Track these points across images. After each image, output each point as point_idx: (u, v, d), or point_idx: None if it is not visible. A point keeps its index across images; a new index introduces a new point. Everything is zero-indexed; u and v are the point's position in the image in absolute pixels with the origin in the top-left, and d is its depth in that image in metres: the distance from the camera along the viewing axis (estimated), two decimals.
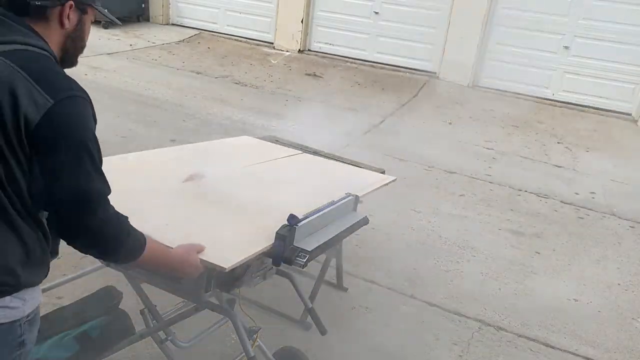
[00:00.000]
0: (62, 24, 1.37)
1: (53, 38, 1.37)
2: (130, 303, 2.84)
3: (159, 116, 5.94)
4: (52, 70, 1.32)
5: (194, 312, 2.14)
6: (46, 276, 1.49)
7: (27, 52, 1.28)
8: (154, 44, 9.04)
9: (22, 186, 1.30)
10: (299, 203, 2.14)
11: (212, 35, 9.93)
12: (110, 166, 1.48)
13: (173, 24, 10.43)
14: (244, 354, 2.10)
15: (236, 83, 7.64)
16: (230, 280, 2.15)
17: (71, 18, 1.38)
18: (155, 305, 2.27)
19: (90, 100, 1.35)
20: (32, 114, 1.23)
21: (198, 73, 7.87)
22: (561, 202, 4.97)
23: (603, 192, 5.28)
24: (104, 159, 1.38)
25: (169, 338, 2.22)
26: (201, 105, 6.51)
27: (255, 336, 2.27)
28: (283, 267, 2.23)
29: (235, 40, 9.76)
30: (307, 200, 2.20)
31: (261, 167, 2.71)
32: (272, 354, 2.45)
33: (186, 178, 2.32)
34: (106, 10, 1.50)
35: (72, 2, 1.36)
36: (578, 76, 7.77)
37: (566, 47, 7.72)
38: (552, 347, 3.06)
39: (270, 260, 1.82)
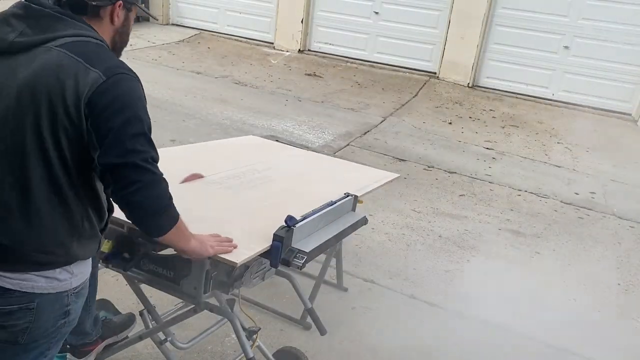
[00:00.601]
0: (112, 21, 1.56)
1: (105, 33, 1.55)
2: (129, 304, 2.85)
3: (159, 116, 5.94)
4: (105, 54, 1.49)
5: (193, 313, 2.14)
6: (97, 251, 1.62)
7: (82, 41, 1.44)
8: (154, 44, 9.04)
9: (73, 161, 1.43)
10: (307, 199, 2.17)
11: (212, 35, 9.93)
12: None
13: (173, 24, 10.43)
14: (243, 354, 2.10)
15: (236, 83, 7.65)
16: (229, 281, 2.15)
17: (120, 15, 1.57)
18: (155, 306, 2.27)
19: (140, 80, 1.51)
20: (88, 89, 1.39)
21: (198, 73, 7.87)
22: (561, 202, 4.97)
23: (603, 192, 5.28)
24: None
25: (169, 339, 2.22)
26: (201, 105, 6.51)
27: (255, 336, 2.27)
28: (282, 267, 2.23)
29: (235, 40, 9.76)
30: (314, 197, 2.23)
31: (267, 165, 2.73)
32: (272, 354, 2.45)
33: (184, 178, 2.33)
34: (144, 6, 1.61)
35: (121, 2, 1.55)
36: (578, 76, 7.77)
37: (566, 47, 7.72)
38: (552, 347, 3.06)
39: (269, 261, 1.82)
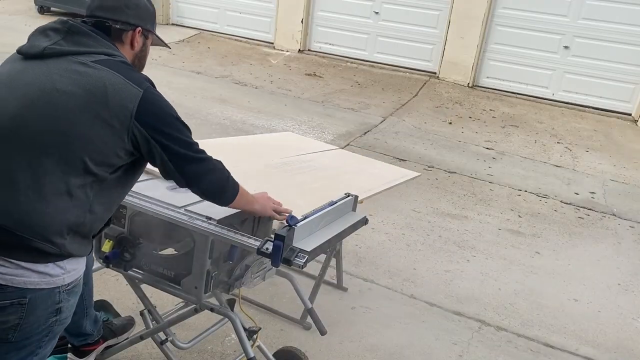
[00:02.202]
0: (132, 46, 1.72)
1: (126, 56, 1.69)
2: (130, 304, 2.85)
3: None
4: (133, 71, 1.61)
5: (194, 312, 2.14)
6: (89, 253, 1.66)
7: (112, 60, 1.58)
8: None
9: (95, 163, 1.52)
10: (348, 185, 2.42)
11: (212, 35, 9.93)
12: None
13: (173, 24, 10.43)
14: (244, 354, 2.10)
15: (236, 83, 7.65)
16: (229, 280, 2.15)
17: (138, 41, 1.72)
18: (155, 306, 2.27)
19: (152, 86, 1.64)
20: (130, 100, 1.52)
21: (198, 73, 7.87)
22: (561, 202, 4.98)
23: (603, 192, 5.28)
24: None
25: (169, 339, 2.22)
26: (201, 105, 6.51)
27: (255, 336, 2.27)
28: (282, 267, 2.23)
29: (235, 40, 9.76)
30: (354, 184, 2.49)
31: (310, 157, 2.98)
32: (272, 354, 2.45)
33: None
34: (159, 36, 1.85)
35: (140, 29, 1.71)
36: (578, 76, 7.77)
37: (566, 47, 7.72)
38: (552, 347, 3.06)
39: (270, 260, 1.82)
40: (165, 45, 1.92)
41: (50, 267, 1.51)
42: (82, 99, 1.48)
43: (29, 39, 1.62)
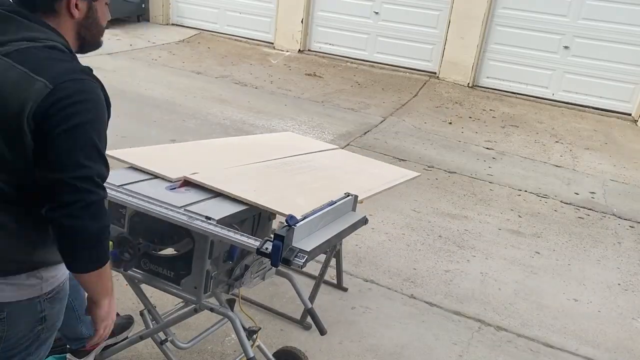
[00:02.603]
0: (71, 15, 1.39)
1: (66, 29, 1.40)
2: (129, 304, 2.85)
3: (159, 116, 5.94)
4: (54, 59, 1.32)
5: (194, 312, 2.14)
6: None
7: (31, 47, 1.30)
8: (154, 44, 9.04)
9: (23, 175, 1.31)
10: (348, 186, 2.42)
11: (212, 35, 9.93)
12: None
13: (173, 24, 10.43)
14: (243, 354, 2.10)
15: (236, 83, 7.64)
16: (229, 280, 2.15)
17: (80, 7, 1.39)
18: (155, 306, 2.27)
19: (98, 83, 1.37)
20: (32, 101, 1.25)
21: (198, 73, 7.87)
22: (561, 202, 4.97)
23: (603, 192, 5.28)
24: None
25: (169, 339, 2.22)
26: (201, 105, 6.51)
27: (255, 336, 2.27)
28: (282, 267, 2.23)
29: (235, 40, 9.76)
30: (354, 184, 2.49)
31: (309, 157, 2.95)
32: (272, 354, 2.45)
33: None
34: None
35: None
36: (578, 76, 7.77)
37: (566, 47, 7.72)
38: (552, 347, 3.06)
39: (269, 260, 1.82)
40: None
41: (24, 278, 1.39)
42: None
43: None
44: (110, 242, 2.00)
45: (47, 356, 1.97)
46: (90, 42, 1.49)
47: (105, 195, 1.36)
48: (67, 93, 1.27)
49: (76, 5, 1.38)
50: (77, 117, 1.28)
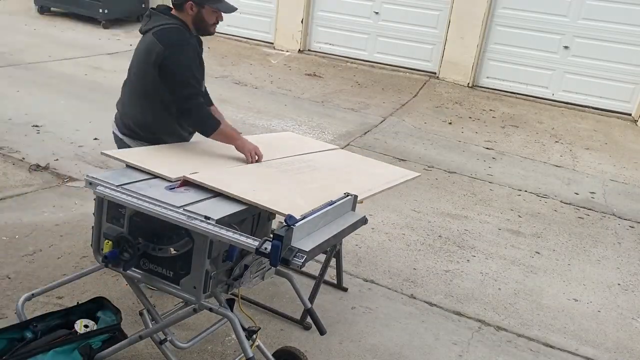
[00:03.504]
0: (188, 12, 2.59)
1: (187, 19, 2.60)
2: (129, 304, 2.85)
3: None
4: (172, 33, 2.54)
5: (193, 312, 2.14)
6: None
7: (163, 28, 2.54)
8: None
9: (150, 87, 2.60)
10: (348, 186, 2.44)
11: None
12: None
13: None
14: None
15: (236, 83, 7.64)
16: (229, 280, 2.15)
17: (193, 9, 2.58)
18: (154, 306, 2.27)
19: (191, 45, 2.58)
20: (159, 59, 2.49)
21: None
22: (561, 202, 4.97)
23: (603, 192, 5.28)
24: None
25: (169, 339, 2.22)
26: None
27: (254, 336, 2.27)
28: (282, 267, 2.23)
29: (235, 40, 9.76)
30: (354, 185, 2.51)
31: (310, 157, 2.97)
32: (272, 353, 2.45)
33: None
34: (224, 4, 2.68)
35: (191, 3, 2.56)
36: (578, 76, 7.77)
37: (566, 47, 7.72)
38: (552, 347, 3.06)
39: (269, 260, 1.82)
40: (230, 10, 2.69)
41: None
42: (142, 54, 2.57)
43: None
44: (110, 242, 2.00)
45: (49, 350, 1.99)
46: (201, 29, 2.66)
47: (200, 100, 2.60)
48: (172, 54, 2.49)
49: (192, 7, 2.57)
50: (179, 64, 2.51)
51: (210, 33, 2.71)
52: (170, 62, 2.47)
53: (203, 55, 2.74)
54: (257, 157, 2.59)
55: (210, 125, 2.57)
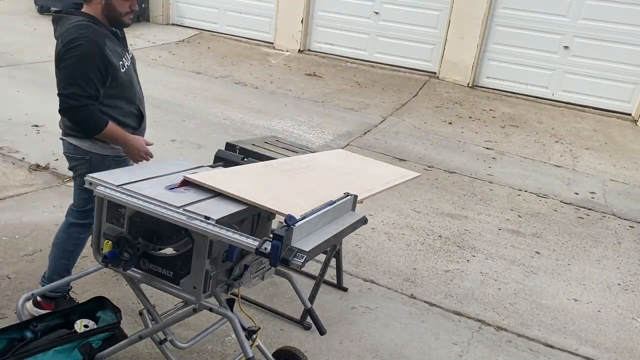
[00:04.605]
0: (97, 4, 2.45)
1: (96, 11, 2.45)
2: (129, 304, 2.85)
3: (159, 116, 5.93)
4: (71, 31, 2.38)
5: (193, 312, 2.14)
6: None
7: (68, 28, 2.40)
8: (153, 44, 9.05)
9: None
10: (348, 187, 2.42)
11: (212, 35, 9.93)
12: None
13: (173, 24, 10.43)
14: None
15: (236, 83, 7.64)
16: (229, 280, 2.15)
17: (100, 1, 2.44)
18: (154, 306, 2.27)
19: (91, 41, 2.36)
20: (56, 53, 2.42)
21: (198, 73, 7.87)
22: (561, 202, 4.97)
23: (603, 192, 5.28)
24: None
25: (169, 338, 2.22)
26: (201, 105, 6.51)
27: (254, 336, 2.27)
28: (281, 267, 2.23)
29: (235, 40, 9.76)
30: (354, 186, 2.48)
31: (309, 157, 2.93)
32: (272, 353, 2.45)
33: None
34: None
35: None
36: (578, 76, 7.77)
37: (566, 47, 7.72)
38: (552, 347, 3.06)
39: (269, 260, 1.82)
40: None
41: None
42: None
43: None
44: (110, 242, 2.00)
45: (49, 349, 1.99)
46: (113, 19, 2.49)
47: (81, 104, 2.42)
48: (65, 47, 2.37)
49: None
50: (65, 61, 2.38)
51: (125, 24, 2.54)
52: (62, 60, 2.36)
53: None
54: (147, 157, 2.62)
55: (95, 125, 2.44)
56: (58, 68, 2.39)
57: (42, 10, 10.28)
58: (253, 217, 2.23)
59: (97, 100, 2.44)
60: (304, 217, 1.96)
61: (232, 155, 2.70)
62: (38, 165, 4.43)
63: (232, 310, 2.10)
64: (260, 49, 9.48)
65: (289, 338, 2.83)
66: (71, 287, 2.83)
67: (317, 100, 7.24)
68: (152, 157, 2.63)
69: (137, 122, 2.69)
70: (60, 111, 2.45)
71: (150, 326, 2.22)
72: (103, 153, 2.57)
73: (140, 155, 2.60)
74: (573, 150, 6.34)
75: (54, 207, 3.81)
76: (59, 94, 2.40)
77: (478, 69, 8.25)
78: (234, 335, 2.46)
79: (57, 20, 2.47)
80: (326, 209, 2.11)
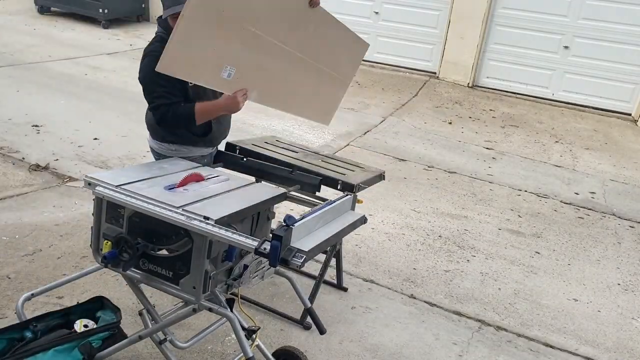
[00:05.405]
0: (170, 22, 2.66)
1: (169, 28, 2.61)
2: (129, 304, 2.85)
3: None
4: (147, 45, 2.76)
5: (193, 312, 2.14)
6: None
7: (152, 41, 2.78)
8: None
9: None
10: None
11: None
12: None
13: None
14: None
15: None
16: (228, 280, 2.15)
17: (171, 22, 2.65)
18: (154, 306, 2.27)
19: (154, 54, 2.47)
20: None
21: None
22: (561, 202, 4.97)
23: (603, 192, 5.27)
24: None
25: (168, 338, 2.22)
26: None
27: (254, 336, 2.27)
28: (281, 267, 2.23)
29: None
30: None
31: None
32: (272, 353, 2.45)
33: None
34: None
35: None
36: (578, 76, 7.77)
37: (566, 47, 7.72)
38: (552, 347, 3.06)
39: (268, 260, 1.82)
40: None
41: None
42: None
43: None
44: (109, 242, 2.00)
45: (49, 349, 1.99)
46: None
47: (165, 102, 2.64)
48: (143, 62, 2.72)
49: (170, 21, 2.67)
50: (140, 72, 2.68)
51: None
52: (140, 71, 2.66)
53: None
54: (244, 96, 2.80)
55: (186, 116, 2.57)
56: None
57: (42, 10, 10.28)
58: (252, 217, 2.23)
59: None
60: (303, 217, 1.96)
61: (232, 155, 2.70)
62: (38, 165, 4.43)
63: (231, 310, 2.10)
64: None
65: (289, 338, 2.83)
66: None
67: None
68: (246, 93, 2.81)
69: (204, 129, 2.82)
70: (154, 117, 2.73)
71: (150, 326, 2.22)
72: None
73: (238, 101, 2.74)
74: (573, 150, 6.34)
75: (53, 207, 3.81)
76: (148, 102, 2.72)
77: (478, 68, 8.24)
78: (233, 335, 2.47)
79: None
80: (325, 208, 2.12)
